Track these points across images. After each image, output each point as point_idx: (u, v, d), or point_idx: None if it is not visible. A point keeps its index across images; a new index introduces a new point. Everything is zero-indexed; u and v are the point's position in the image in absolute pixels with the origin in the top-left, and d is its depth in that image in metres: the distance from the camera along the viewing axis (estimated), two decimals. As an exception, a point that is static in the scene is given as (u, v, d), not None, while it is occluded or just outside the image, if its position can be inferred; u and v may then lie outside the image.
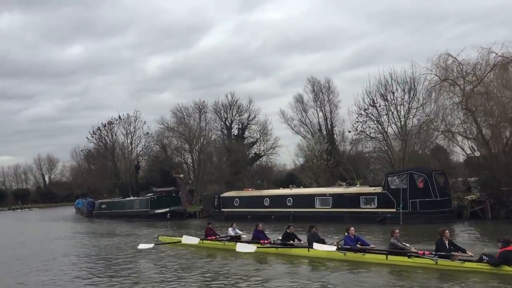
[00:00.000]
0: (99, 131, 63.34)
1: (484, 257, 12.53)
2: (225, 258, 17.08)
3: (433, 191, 26.48)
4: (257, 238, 18.15)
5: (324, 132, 61.60)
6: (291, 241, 17.15)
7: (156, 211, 41.94)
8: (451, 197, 27.75)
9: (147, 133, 62.91)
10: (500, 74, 31.70)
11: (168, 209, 41.67)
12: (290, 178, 41.28)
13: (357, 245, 15.37)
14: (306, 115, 63.25)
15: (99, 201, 55.37)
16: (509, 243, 12.22)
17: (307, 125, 63.38)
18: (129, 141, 62.27)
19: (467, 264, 12.65)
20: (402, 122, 33.33)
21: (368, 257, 14.63)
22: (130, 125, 62.08)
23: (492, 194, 26.64)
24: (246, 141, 67.13)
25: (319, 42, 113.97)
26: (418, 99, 33.27)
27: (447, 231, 13.59)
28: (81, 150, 71.86)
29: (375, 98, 34.68)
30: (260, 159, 68.34)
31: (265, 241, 17.71)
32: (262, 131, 67.41)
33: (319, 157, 44.65)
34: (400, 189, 27.01)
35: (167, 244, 20.57)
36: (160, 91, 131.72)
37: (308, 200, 31.77)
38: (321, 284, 12.46)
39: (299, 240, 17.24)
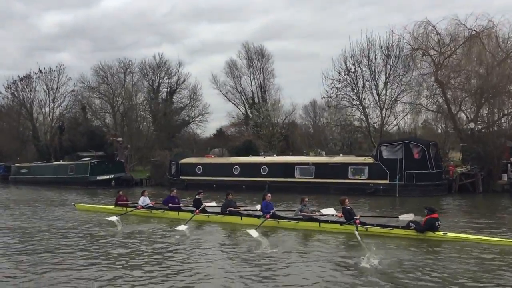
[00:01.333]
0: (14, 85, 54.99)
1: (411, 224, 13.05)
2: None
3: (429, 163, 25.30)
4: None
5: (257, 101, 60.01)
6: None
7: (98, 177, 36.99)
8: (443, 169, 27.04)
9: (73, 90, 56.01)
10: (470, 48, 31.66)
11: (112, 176, 37.01)
12: (248, 146, 38.53)
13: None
14: (240, 82, 61.11)
15: (16, 165, 48.32)
16: (434, 211, 12.99)
17: (240, 93, 61.32)
18: (50, 98, 54.86)
19: (395, 231, 13.15)
20: (381, 91, 31.96)
21: (302, 224, 14.64)
22: (52, 81, 54.68)
23: (484, 167, 26.35)
24: (174, 106, 63.01)
25: (227, 12, 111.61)
26: (396, 68, 32.05)
27: (346, 199, 14.20)
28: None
29: (352, 64, 32.85)
30: (189, 125, 64.96)
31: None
32: (191, 96, 63.70)
33: (275, 125, 42.39)
34: (397, 159, 25.47)
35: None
36: (57, 50, 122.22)
37: (286, 169, 29.36)
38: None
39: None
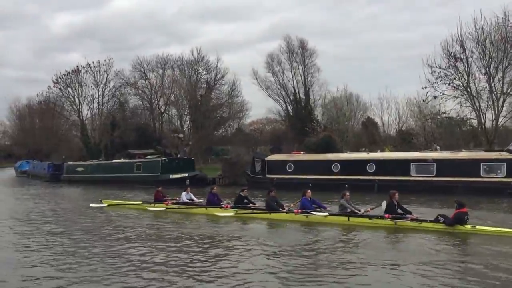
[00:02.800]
0: (62, 80, 51.74)
1: (440, 217, 13.08)
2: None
3: None
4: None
5: (300, 97, 56.75)
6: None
7: (171, 176, 33.97)
8: None
9: (121, 85, 52.81)
10: None
11: (186, 174, 33.95)
12: (327, 142, 35.33)
13: (314, 207, 15.65)
14: (283, 77, 57.75)
15: (70, 163, 45.28)
16: (463, 205, 12.90)
17: (283, 88, 58.02)
18: (99, 93, 51.82)
19: (424, 224, 13.21)
20: (495, 79, 28.50)
21: (330, 218, 14.78)
22: (101, 75, 51.67)
23: None
24: (212, 102, 59.87)
25: (236, 12, 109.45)
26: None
27: (396, 193, 14.14)
28: (38, 102, 58.89)
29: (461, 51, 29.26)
30: (227, 122, 61.88)
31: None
32: (230, 92, 60.53)
33: (348, 118, 39.14)
34: (544, 154, 22.33)
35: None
36: (67, 51, 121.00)
37: (400, 166, 26.16)
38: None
39: (254, 203, 17.65)
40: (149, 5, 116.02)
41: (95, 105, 52.02)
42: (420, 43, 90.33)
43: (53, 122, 63.07)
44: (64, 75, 51.38)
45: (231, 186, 32.57)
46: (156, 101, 60.31)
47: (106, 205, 20.36)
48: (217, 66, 57.28)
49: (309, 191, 16.05)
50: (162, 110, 59.94)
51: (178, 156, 39.50)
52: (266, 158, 30.63)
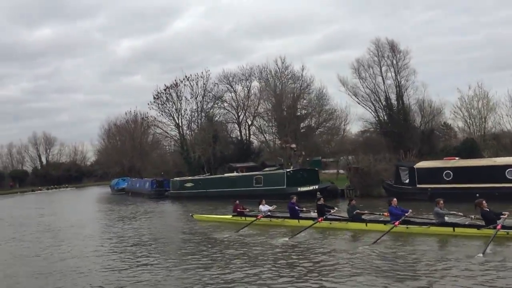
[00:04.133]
0: (163, 95, 50.41)
1: None
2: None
3: None
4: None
5: (394, 102, 52.48)
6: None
7: (299, 189, 30.97)
8: None
9: (220, 97, 50.89)
10: None
11: (316, 186, 30.84)
12: (471, 146, 31.10)
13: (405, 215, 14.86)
14: (375, 83, 53.53)
15: (177, 179, 43.46)
16: None
17: (376, 94, 53.77)
18: (198, 105, 50.06)
19: None
20: None
21: (434, 229, 13.91)
22: (198, 87, 49.97)
23: None
24: (299, 112, 56.60)
25: (289, 26, 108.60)
26: None
27: (484, 201, 13.07)
28: (143, 118, 57.94)
29: None
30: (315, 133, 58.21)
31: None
32: (317, 101, 56.91)
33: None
34: None
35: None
36: (131, 74, 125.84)
37: None
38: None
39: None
40: (206, 24, 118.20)
41: (193, 118, 50.21)
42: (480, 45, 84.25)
43: (143, 138, 62.41)
44: (164, 89, 50.04)
45: (363, 198, 29.06)
46: (243, 114, 58.29)
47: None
48: (302, 75, 54.21)
49: (394, 199, 15.82)
50: (250, 123, 57.74)
51: (292, 168, 36.53)
52: (415, 166, 26.90)
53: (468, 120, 35.77)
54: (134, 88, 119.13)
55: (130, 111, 63.40)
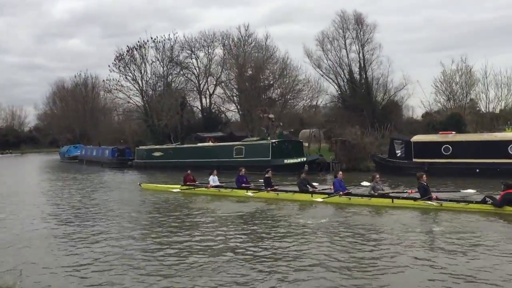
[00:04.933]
0: (125, 56, 45.97)
1: (487, 199, 12.80)
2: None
3: None
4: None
5: (357, 76, 52.12)
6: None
7: (286, 161, 29.16)
8: None
9: (186, 63, 47.23)
10: None
11: (303, 159, 29.11)
12: (456, 120, 30.44)
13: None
14: (339, 56, 52.57)
15: (143, 147, 40.21)
16: (511, 186, 12.54)
17: (340, 67, 52.87)
18: (164, 70, 46.21)
19: (471, 205, 12.92)
20: None
21: (374, 201, 14.58)
22: (165, 50, 46.10)
23: None
24: (262, 83, 54.62)
25: None
26: None
27: (424, 175, 14.03)
28: (76, 84, 53.31)
29: None
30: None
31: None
32: (281, 72, 55.07)
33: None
34: None
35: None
36: (68, 36, 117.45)
37: None
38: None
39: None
40: None
41: (158, 84, 46.50)
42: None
43: (95, 104, 57.98)
44: (126, 51, 45.76)
45: (350, 172, 27.75)
46: (204, 82, 55.20)
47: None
48: (265, 44, 51.93)
49: (340, 172, 16.69)
50: (211, 91, 54.89)
51: (269, 139, 34.57)
52: (412, 140, 25.79)
53: (450, 95, 35.16)
54: (72, 53, 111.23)
55: (80, 74, 58.33)
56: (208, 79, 55.04)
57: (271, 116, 36.10)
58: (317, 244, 9.91)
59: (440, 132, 26.56)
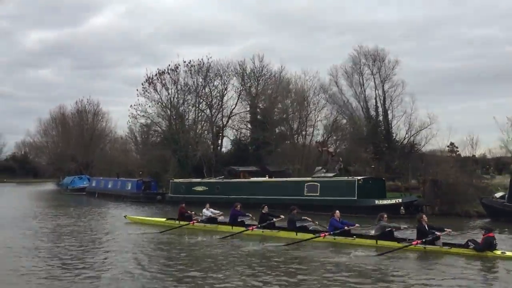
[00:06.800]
0: (152, 81, 40.33)
1: (469, 243, 12.85)
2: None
3: None
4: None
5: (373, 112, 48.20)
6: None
7: (377, 202, 24.37)
8: None
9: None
10: None
11: (399, 200, 24.46)
12: None
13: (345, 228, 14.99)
14: (362, 88, 48.83)
15: (179, 180, 34.39)
16: (491, 230, 12.99)
17: (359, 103, 49.12)
18: (195, 96, 40.76)
19: (454, 250, 12.95)
20: None
21: (358, 241, 14.45)
22: (201, 74, 40.88)
23: None
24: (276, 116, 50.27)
25: (210, 35, 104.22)
26: None
27: (424, 216, 13.93)
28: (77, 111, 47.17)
29: None
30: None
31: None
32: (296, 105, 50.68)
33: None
34: None
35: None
36: (39, 67, 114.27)
37: None
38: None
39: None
40: (124, 25, 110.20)
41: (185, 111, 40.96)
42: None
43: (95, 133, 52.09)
44: (156, 74, 40.33)
45: (444, 217, 23.31)
46: (216, 113, 49.90)
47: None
48: (280, 76, 47.81)
49: (337, 211, 15.51)
50: (225, 123, 49.69)
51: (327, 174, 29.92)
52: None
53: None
54: (42, 82, 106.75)
55: (82, 100, 52.68)
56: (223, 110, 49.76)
57: (330, 150, 31.53)
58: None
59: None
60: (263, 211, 17.12)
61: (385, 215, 14.64)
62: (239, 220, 17.89)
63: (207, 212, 18.92)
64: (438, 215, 24.83)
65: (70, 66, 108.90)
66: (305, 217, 16.61)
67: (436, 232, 13.22)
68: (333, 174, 28.14)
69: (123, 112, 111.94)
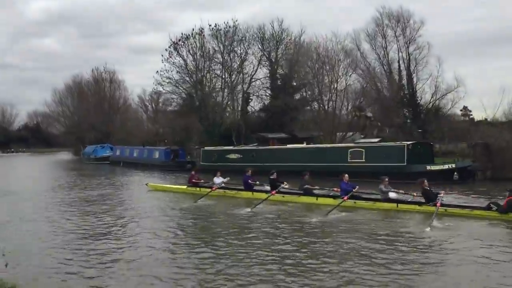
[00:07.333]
0: (176, 47, 38.59)
1: (491, 205, 12.62)
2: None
3: None
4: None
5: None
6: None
7: (428, 167, 23.21)
8: None
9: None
10: None
11: (452, 165, 23.29)
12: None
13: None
14: (386, 51, 46.78)
15: (210, 148, 33.30)
16: None
17: (382, 66, 47.21)
18: (227, 62, 39.08)
19: (475, 212, 12.75)
20: None
21: (379, 205, 14.35)
22: (228, 39, 39.13)
23: None
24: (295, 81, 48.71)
25: (215, 1, 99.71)
26: None
27: (425, 180, 13.82)
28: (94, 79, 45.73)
29: None
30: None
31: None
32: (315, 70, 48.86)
33: None
34: None
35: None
36: (43, 36, 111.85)
37: None
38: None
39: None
40: None
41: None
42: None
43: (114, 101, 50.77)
44: (182, 38, 38.55)
45: (497, 182, 22.18)
46: (237, 79, 48.31)
47: None
48: (300, 40, 45.83)
49: (346, 175, 15.49)
50: (245, 88, 48.09)
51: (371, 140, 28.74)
52: None
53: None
54: (47, 52, 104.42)
55: (97, 68, 51.03)
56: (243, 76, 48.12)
57: (369, 115, 30.18)
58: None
59: None
60: (271, 177, 17.23)
61: (386, 179, 14.76)
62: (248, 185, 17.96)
63: (218, 180, 18.86)
64: (490, 180, 23.83)
65: (75, 35, 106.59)
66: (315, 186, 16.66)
67: (439, 192, 13.52)
68: (378, 139, 26.85)
69: (129, 81, 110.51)
